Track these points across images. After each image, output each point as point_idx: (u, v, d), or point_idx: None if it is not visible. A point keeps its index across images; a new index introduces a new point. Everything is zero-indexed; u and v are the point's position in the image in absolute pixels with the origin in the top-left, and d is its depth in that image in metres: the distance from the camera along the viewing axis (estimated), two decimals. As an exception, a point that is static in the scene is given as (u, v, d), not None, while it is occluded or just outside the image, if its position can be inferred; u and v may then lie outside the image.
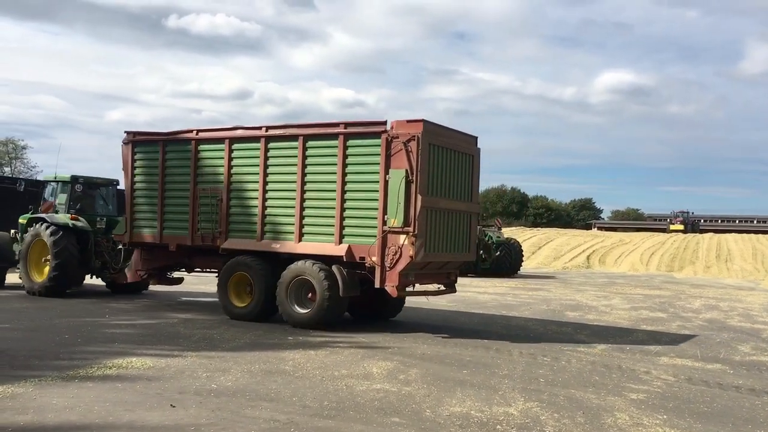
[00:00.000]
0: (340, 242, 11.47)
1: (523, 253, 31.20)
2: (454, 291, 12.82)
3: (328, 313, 11.38)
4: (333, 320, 11.57)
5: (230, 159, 12.69)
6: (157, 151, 13.60)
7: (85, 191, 16.39)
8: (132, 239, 14.05)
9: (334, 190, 11.56)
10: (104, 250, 15.57)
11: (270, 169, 12.30)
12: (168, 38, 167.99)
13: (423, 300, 17.04)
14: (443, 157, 11.47)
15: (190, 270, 14.29)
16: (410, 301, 16.83)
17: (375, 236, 11.13)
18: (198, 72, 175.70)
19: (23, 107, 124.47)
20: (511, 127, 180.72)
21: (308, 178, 11.89)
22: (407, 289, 11.72)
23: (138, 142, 13.92)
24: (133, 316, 12.29)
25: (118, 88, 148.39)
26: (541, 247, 46.13)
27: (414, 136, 10.89)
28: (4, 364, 7.82)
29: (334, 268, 11.34)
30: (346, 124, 11.59)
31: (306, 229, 11.88)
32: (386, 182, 11.04)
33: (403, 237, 10.90)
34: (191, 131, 13.29)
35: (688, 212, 76.62)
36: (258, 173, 12.35)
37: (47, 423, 5.63)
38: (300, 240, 11.88)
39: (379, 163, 11.16)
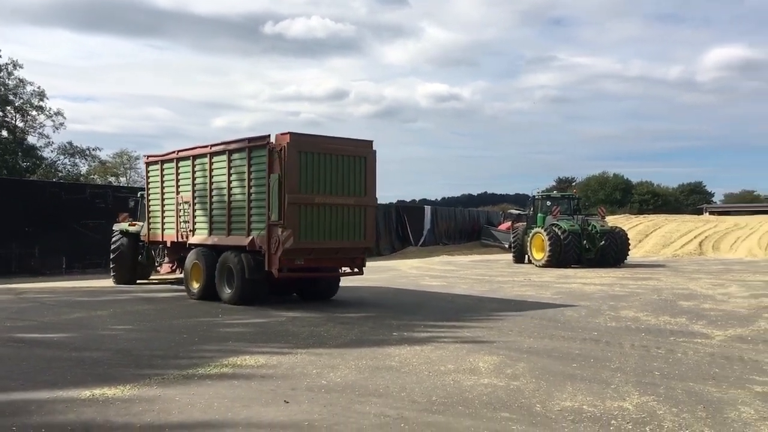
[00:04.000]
0: (248, 235, 13.82)
1: (629, 241, 30.07)
2: (361, 273, 14.82)
3: (243, 293, 13.92)
4: (250, 298, 14.01)
5: (194, 172, 15.68)
6: (158, 168, 17.12)
7: None
8: (149, 238, 17.84)
9: (245, 193, 13.97)
10: (153, 249, 18.55)
11: (213, 179, 15.02)
12: (266, 44, 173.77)
13: (530, 294, 16.85)
14: (319, 161, 13.45)
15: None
16: (516, 295, 16.64)
17: (265, 229, 13.35)
18: (295, 75, 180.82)
19: (135, 119, 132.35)
20: (613, 111, 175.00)
21: (232, 184, 14.45)
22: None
23: (149, 162, 17.69)
24: (244, 315, 12.79)
25: (220, 96, 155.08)
26: (648, 234, 44.33)
27: (282, 147, 12.97)
28: (130, 363, 8.33)
29: (242, 255, 13.78)
30: (249, 140, 13.88)
31: (232, 225, 14.46)
32: (269, 185, 13.18)
33: (279, 229, 13.07)
34: (174, 152, 16.40)
35: (811, 192, 71.37)
36: (206, 182, 15.14)
37: (172, 420, 5.94)
38: (229, 234, 14.49)
39: (266, 170, 13.33)
